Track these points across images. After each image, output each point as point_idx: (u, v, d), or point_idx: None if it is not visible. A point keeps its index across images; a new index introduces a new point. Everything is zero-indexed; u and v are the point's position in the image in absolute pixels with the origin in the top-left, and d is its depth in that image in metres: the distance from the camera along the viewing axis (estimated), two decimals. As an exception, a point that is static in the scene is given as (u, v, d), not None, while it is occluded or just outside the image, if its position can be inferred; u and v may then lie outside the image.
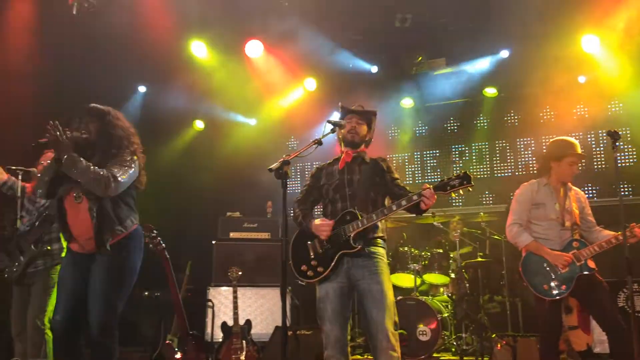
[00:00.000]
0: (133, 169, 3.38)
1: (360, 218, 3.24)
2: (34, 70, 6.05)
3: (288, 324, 5.67)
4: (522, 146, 7.44)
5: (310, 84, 7.59)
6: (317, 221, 3.34)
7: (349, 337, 3.27)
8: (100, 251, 3.25)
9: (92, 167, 3.18)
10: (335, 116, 3.69)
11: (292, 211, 3.62)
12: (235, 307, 5.30)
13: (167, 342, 4.76)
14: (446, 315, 5.74)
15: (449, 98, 7.63)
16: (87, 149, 3.35)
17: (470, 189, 3.09)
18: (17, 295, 4.43)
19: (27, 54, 6.03)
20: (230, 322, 5.28)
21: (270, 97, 7.83)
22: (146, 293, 6.73)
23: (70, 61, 6.35)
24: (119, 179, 3.25)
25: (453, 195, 3.16)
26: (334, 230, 3.27)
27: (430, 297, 5.86)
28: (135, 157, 3.44)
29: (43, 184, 3.32)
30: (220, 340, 5.35)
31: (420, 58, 7.01)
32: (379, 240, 3.34)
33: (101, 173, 3.18)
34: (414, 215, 3.37)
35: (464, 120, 7.79)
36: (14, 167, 4.53)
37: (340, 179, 3.44)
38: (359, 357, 5.51)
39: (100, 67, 6.52)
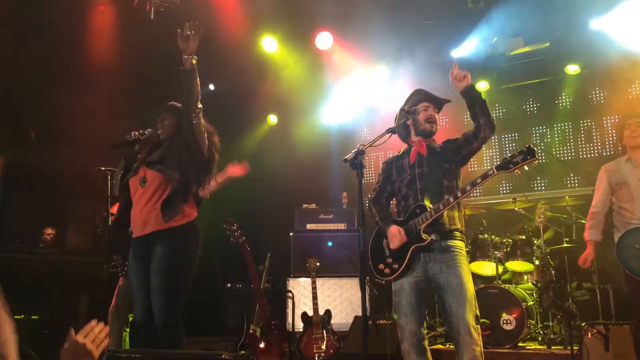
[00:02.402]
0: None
1: (429, 209, 3.17)
2: (119, 72, 6.38)
3: (367, 314, 5.69)
4: (609, 125, 7.02)
5: (382, 71, 7.52)
6: (392, 229, 3.29)
7: (425, 331, 3.21)
8: (159, 227, 3.38)
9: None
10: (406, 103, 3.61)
11: (367, 204, 3.60)
12: (315, 298, 5.36)
13: (250, 331, 4.89)
14: (531, 303, 5.54)
15: (527, 78, 7.32)
16: (161, 144, 3.54)
17: (535, 163, 2.94)
18: (123, 291, 4.69)
19: (112, 58, 6.36)
20: (310, 312, 5.35)
21: (343, 86, 7.81)
22: (229, 285, 6.94)
23: (149, 61, 6.62)
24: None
25: (518, 173, 3.01)
26: (406, 226, 3.22)
27: (513, 285, 5.67)
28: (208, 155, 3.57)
29: (119, 181, 3.55)
30: (301, 329, 5.45)
31: (495, 39, 6.76)
32: (456, 233, 3.23)
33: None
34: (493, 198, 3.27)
35: (545, 100, 7.45)
36: (103, 168, 4.78)
37: (412, 173, 3.34)
38: (440, 346, 5.43)
39: (175, 66, 6.76)
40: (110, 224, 4.51)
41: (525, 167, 2.96)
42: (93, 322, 1.87)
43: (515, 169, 2.98)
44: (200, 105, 3.50)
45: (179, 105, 3.62)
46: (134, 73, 6.67)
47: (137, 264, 3.47)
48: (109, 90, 6.49)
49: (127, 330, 4.74)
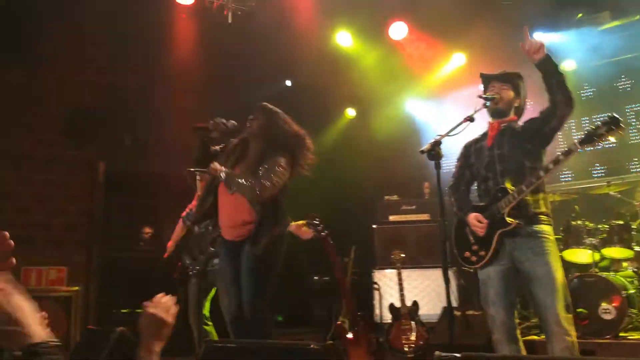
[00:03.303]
0: (284, 173, 3.56)
1: (511, 192, 3.08)
2: (204, 75, 6.69)
3: (455, 305, 5.61)
4: None
5: (459, 59, 7.35)
6: (471, 217, 3.23)
7: (517, 320, 3.14)
8: (252, 250, 3.50)
9: (241, 181, 3.42)
10: (480, 91, 3.53)
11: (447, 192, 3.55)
12: (401, 289, 5.36)
13: (338, 323, 4.98)
14: (632, 291, 5.23)
15: (618, 54, 6.88)
16: (245, 144, 3.67)
17: (622, 132, 2.76)
18: (195, 290, 4.93)
19: (196, 63, 6.67)
20: (397, 304, 5.36)
21: (419, 77, 7.73)
22: (316, 278, 7.07)
23: (231, 64, 6.87)
24: (267, 184, 3.44)
25: (602, 142, 2.84)
26: (488, 211, 3.15)
27: (612, 273, 5.38)
28: (290, 161, 3.63)
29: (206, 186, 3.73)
30: (389, 321, 5.47)
31: (580, 15, 6.42)
32: (543, 217, 3.10)
33: (247, 184, 3.43)
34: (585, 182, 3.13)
35: (639, 77, 6.98)
36: (192, 169, 5.03)
37: (490, 155, 3.26)
38: (534, 337, 5.26)
39: (255, 64, 6.98)
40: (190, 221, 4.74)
41: (611, 139, 2.79)
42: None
43: (599, 142, 2.82)
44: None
45: (272, 108, 3.71)
46: (217, 75, 6.95)
47: (228, 262, 3.63)
48: (195, 94, 6.81)
49: (210, 324, 4.95)
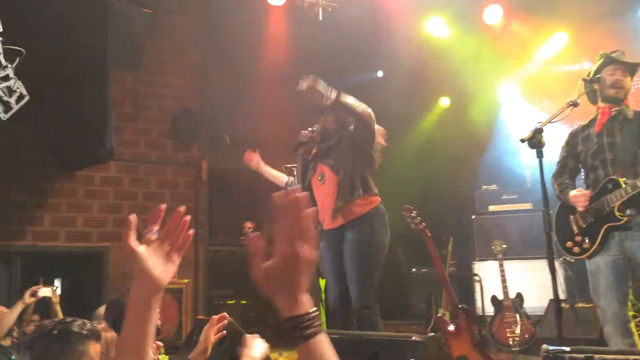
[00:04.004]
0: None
1: (623, 186, 2.91)
2: (296, 73, 6.85)
3: (563, 297, 5.38)
4: None
5: (561, 38, 6.98)
6: (572, 192, 3.10)
7: (630, 313, 2.97)
8: (354, 238, 3.55)
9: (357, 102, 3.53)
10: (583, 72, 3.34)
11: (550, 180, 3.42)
12: (504, 281, 5.23)
13: (439, 315, 4.94)
14: None
15: None
16: (329, 138, 3.76)
17: None
18: None
19: (289, 61, 6.86)
20: (500, 296, 5.23)
21: (516, 61, 7.43)
22: (414, 270, 7.05)
23: (320, 57, 6.98)
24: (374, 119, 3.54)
25: None
26: (597, 202, 3.00)
27: None
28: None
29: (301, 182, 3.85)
30: (492, 313, 5.35)
31: None
32: None
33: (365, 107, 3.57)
34: None
35: None
36: (289, 165, 5.19)
37: (599, 143, 3.09)
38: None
39: (346, 57, 7.05)
40: None
41: None
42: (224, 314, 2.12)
43: None
44: (369, 110, 3.61)
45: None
46: (311, 71, 7.06)
47: (328, 252, 3.74)
48: (291, 91, 6.98)
49: (322, 311, 5.07)
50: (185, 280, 6.98)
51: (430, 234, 4.75)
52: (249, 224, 7.89)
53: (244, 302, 7.55)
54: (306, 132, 3.84)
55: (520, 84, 7.65)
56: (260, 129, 7.17)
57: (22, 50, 4.41)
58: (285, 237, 1.17)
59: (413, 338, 2.65)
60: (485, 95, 8.06)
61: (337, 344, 2.86)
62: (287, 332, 1.11)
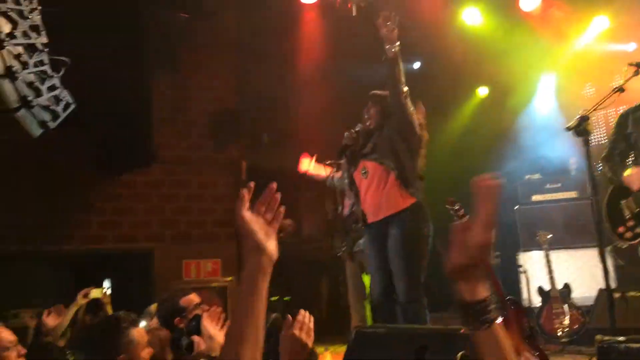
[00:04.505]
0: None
1: None
2: (332, 70, 6.88)
3: (614, 286, 5.24)
4: None
5: (602, 22, 6.77)
6: (627, 172, 3.02)
7: None
8: (399, 232, 3.55)
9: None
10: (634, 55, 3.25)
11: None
12: (550, 271, 5.13)
13: (485, 308, 4.88)
14: None
15: None
16: (372, 134, 3.76)
17: None
18: (349, 271, 5.10)
19: (323, 57, 6.89)
20: (546, 287, 5.13)
21: (555, 47, 7.25)
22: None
23: (356, 52, 6.96)
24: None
25: None
26: None
27: None
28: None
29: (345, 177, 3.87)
30: (539, 305, 5.26)
31: None
32: None
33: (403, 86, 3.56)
34: None
35: None
36: (330, 162, 5.20)
37: None
38: None
39: (382, 51, 7.01)
40: (341, 215, 4.91)
41: None
42: (302, 313, 2.05)
43: None
44: (406, 89, 3.62)
45: (381, 93, 3.79)
46: (346, 67, 7.10)
47: (373, 247, 3.74)
48: (327, 88, 7.02)
49: (367, 306, 5.09)
50: (230, 278, 7.10)
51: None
52: (288, 222, 7.96)
53: (287, 298, 7.62)
54: (349, 133, 3.85)
55: (560, 71, 7.47)
56: (298, 128, 7.23)
57: (67, 60, 4.55)
58: (484, 223, 1.19)
59: (461, 331, 2.63)
60: (524, 83, 7.89)
61: (384, 338, 2.88)
62: (474, 315, 1.16)
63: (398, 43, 3.53)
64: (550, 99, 7.61)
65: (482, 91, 8.25)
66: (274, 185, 1.41)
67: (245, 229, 1.37)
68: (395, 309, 3.63)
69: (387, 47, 3.55)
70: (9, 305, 5.95)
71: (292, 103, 7.14)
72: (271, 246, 1.38)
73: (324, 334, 6.93)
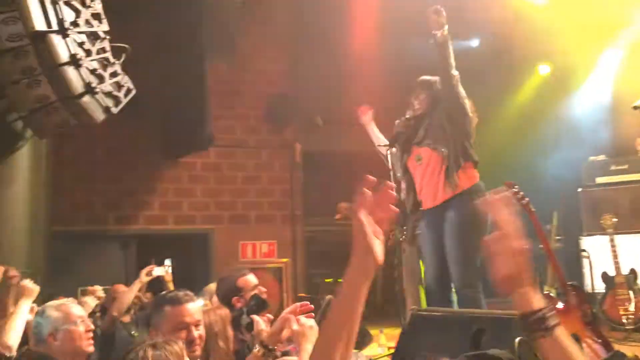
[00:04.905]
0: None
1: None
2: (385, 52, 6.81)
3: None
4: None
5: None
6: None
7: None
8: (455, 216, 3.50)
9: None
10: None
11: None
12: (615, 256, 4.94)
13: (545, 292, 4.77)
14: None
15: None
16: (422, 120, 3.71)
17: None
18: (406, 255, 5.06)
19: (375, 39, 6.82)
20: (611, 272, 4.95)
21: (620, 24, 6.87)
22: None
23: (410, 32, 6.84)
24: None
25: None
26: None
27: None
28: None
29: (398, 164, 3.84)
30: (602, 291, 5.08)
31: None
32: None
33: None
34: None
35: None
36: (383, 145, 5.15)
37: None
38: None
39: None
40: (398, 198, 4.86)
41: None
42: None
43: None
44: (457, 73, 3.55)
45: (430, 78, 3.74)
46: (400, 48, 6.99)
47: (429, 232, 3.72)
48: (380, 70, 6.94)
49: (423, 290, 5.06)
50: (285, 260, 7.23)
51: (533, 209, 4.58)
52: (343, 205, 7.97)
53: (341, 280, 7.68)
54: (400, 120, 3.82)
55: (625, 48, 7.09)
56: (353, 110, 7.19)
57: (127, 46, 4.69)
58: (511, 233, 1.23)
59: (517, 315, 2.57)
60: (587, 61, 7.55)
61: (440, 321, 2.86)
62: (533, 326, 1.16)
63: (446, 27, 3.45)
64: (616, 77, 7.25)
65: (543, 69, 7.94)
66: (392, 184, 1.35)
67: (360, 229, 1.29)
68: (450, 294, 3.60)
69: (434, 32, 3.48)
70: (79, 282, 6.30)
71: (347, 85, 7.11)
72: (378, 249, 1.30)
73: (378, 317, 6.97)
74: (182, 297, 2.29)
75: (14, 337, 2.71)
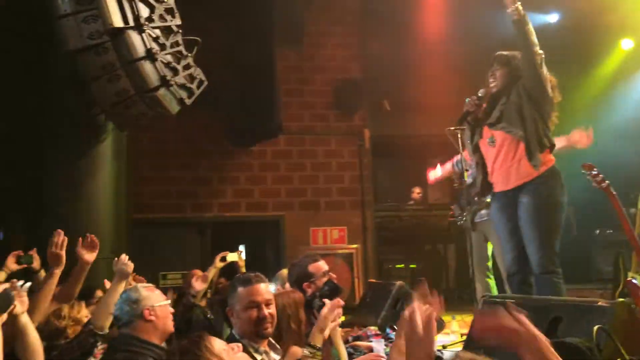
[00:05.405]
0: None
1: None
2: (452, 34, 6.64)
3: None
4: None
5: None
6: None
7: None
8: (531, 199, 3.37)
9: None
10: None
11: None
12: None
13: (629, 279, 4.53)
14: None
15: None
16: (497, 100, 3.56)
17: None
18: (474, 241, 4.95)
19: (440, 21, 6.66)
20: None
21: None
22: (597, 231, 6.56)
23: (481, 12, 6.62)
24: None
25: None
26: None
27: None
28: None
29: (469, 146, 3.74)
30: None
31: None
32: None
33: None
34: None
35: None
36: (452, 128, 5.01)
37: None
38: None
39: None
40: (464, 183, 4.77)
41: None
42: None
43: None
44: (541, 52, 3.39)
45: (508, 53, 3.58)
46: (467, 30, 6.80)
47: (502, 217, 3.60)
48: (447, 53, 6.78)
49: (491, 277, 4.94)
50: (355, 246, 7.25)
51: (615, 192, 4.34)
52: (417, 190, 7.90)
53: (413, 265, 7.62)
54: (471, 99, 3.69)
55: None
56: (420, 94, 7.08)
57: (199, 39, 4.83)
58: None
59: (599, 303, 2.46)
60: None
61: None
62: None
63: (519, 3, 3.29)
64: None
65: (627, 44, 7.47)
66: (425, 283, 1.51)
67: (414, 326, 1.43)
68: (528, 280, 3.48)
69: (508, 10, 3.33)
70: (159, 268, 6.61)
71: (415, 68, 6.99)
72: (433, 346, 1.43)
73: (451, 303, 6.86)
74: (253, 277, 2.41)
75: (105, 317, 2.88)
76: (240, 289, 2.40)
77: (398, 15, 6.84)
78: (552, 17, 7.44)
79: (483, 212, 4.73)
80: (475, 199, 4.71)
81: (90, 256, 3.23)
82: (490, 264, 4.87)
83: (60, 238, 3.08)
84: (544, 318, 2.58)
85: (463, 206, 4.89)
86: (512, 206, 3.51)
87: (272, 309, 2.40)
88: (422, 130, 7.43)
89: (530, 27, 3.36)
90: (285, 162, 7.37)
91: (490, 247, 4.85)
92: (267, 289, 2.45)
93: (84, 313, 2.88)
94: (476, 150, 3.77)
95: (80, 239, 3.24)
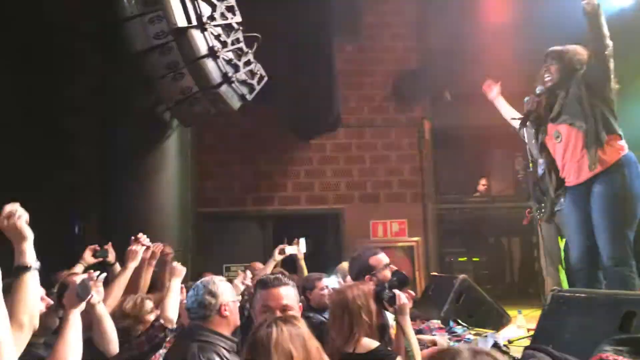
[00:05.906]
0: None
1: None
2: (512, 23, 6.44)
3: None
4: None
5: None
6: None
7: None
8: (603, 191, 3.25)
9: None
10: None
11: None
12: None
13: None
14: None
15: None
16: (555, 94, 3.45)
17: None
18: (545, 234, 4.79)
19: (503, 10, 6.47)
20: None
21: None
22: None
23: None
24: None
25: None
26: None
27: None
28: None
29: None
30: None
31: None
32: None
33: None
34: None
35: None
36: (515, 118, 4.88)
37: None
38: None
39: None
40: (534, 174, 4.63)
41: None
42: None
43: None
44: (610, 43, 3.25)
45: (560, 48, 3.52)
46: (529, 19, 6.57)
47: (574, 209, 3.50)
48: (506, 41, 6.57)
49: (562, 270, 4.78)
50: (416, 238, 7.18)
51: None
52: (483, 181, 7.74)
53: (476, 259, 7.48)
54: (531, 97, 3.61)
55: None
56: (482, 83, 6.89)
57: (259, 35, 4.91)
58: None
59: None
60: None
61: (584, 302, 2.69)
62: None
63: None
64: None
65: None
66: None
67: None
68: (598, 273, 3.35)
69: (584, 2, 3.20)
70: (223, 260, 6.79)
71: (476, 56, 6.81)
72: None
73: (515, 297, 6.68)
74: (271, 280, 2.35)
75: (173, 312, 3.01)
76: (259, 292, 2.38)
77: (457, 2, 6.69)
78: (626, 1, 7.04)
79: (562, 199, 4.60)
80: (551, 193, 4.58)
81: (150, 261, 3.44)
82: (562, 257, 4.72)
83: (142, 238, 3.30)
84: (615, 312, 2.49)
85: (539, 198, 4.75)
86: (585, 199, 3.40)
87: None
88: (485, 120, 7.22)
89: (603, 19, 3.22)
90: (345, 155, 7.38)
91: (562, 241, 4.70)
92: (287, 292, 2.33)
93: (147, 309, 2.93)
94: (543, 149, 3.68)
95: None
